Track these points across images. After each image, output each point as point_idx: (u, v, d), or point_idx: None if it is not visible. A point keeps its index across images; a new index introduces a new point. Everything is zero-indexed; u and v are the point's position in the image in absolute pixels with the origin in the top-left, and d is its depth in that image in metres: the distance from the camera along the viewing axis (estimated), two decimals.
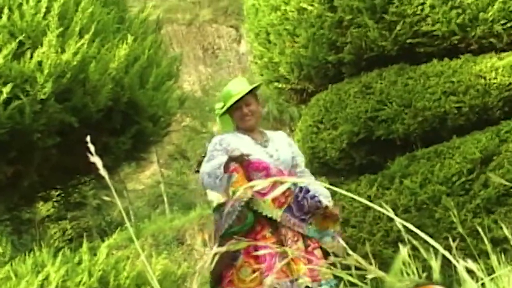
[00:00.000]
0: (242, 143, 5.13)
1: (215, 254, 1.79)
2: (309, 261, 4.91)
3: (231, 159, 4.88)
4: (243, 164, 4.94)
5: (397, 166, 6.92)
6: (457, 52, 7.02)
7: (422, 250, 1.80)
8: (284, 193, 5.08)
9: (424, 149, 6.92)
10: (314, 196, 5.04)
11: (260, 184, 1.75)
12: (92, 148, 1.60)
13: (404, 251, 1.81)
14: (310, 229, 5.04)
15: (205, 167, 5.08)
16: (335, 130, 7.26)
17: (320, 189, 5.18)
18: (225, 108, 5.26)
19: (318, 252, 4.99)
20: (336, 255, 5.05)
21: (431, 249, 1.82)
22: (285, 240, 4.90)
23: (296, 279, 4.80)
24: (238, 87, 5.31)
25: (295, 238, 4.96)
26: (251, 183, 1.83)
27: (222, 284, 5.01)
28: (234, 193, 4.85)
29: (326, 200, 5.11)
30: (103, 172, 1.57)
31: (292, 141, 5.56)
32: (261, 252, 4.77)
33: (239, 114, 5.21)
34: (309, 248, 4.96)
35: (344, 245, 4.89)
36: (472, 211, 6.38)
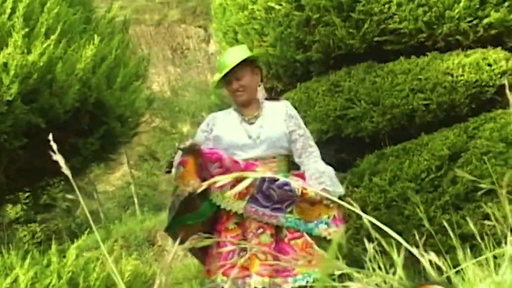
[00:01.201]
0: (226, 123, 4.96)
1: (175, 251, 1.78)
2: (283, 254, 4.54)
3: (181, 150, 4.62)
4: (197, 155, 4.64)
5: (366, 164, 6.93)
6: (424, 49, 7.05)
7: (385, 246, 1.80)
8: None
9: (392, 146, 6.94)
10: (285, 184, 4.62)
11: (218, 180, 1.73)
12: (55, 147, 1.58)
13: (370, 247, 1.81)
14: (289, 219, 4.66)
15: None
16: None
17: (315, 171, 4.83)
18: (214, 83, 5.09)
19: (297, 243, 4.62)
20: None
21: (398, 245, 1.82)
22: (246, 233, 4.64)
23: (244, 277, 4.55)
24: (231, 57, 4.96)
25: (259, 231, 4.63)
26: (213, 180, 1.78)
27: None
28: (175, 188, 4.69)
29: (317, 184, 4.74)
30: (66, 171, 1.55)
31: (294, 112, 5.10)
32: (227, 249, 4.58)
33: (230, 88, 4.97)
34: (286, 239, 4.62)
35: (342, 230, 4.78)
36: (441, 208, 6.40)
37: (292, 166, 5.04)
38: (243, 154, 4.85)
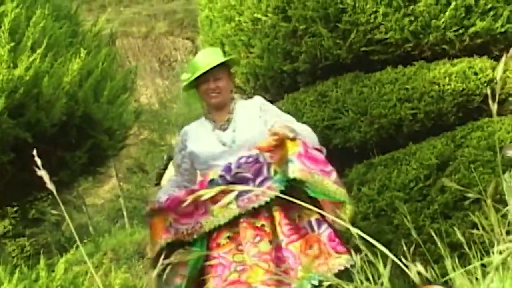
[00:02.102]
0: (198, 135, 4.79)
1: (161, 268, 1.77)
2: (281, 262, 4.38)
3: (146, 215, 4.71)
4: (160, 212, 4.63)
5: (355, 174, 6.94)
6: (411, 59, 7.07)
7: (371, 256, 1.80)
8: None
9: (381, 156, 6.95)
10: (248, 158, 4.49)
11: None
12: (39, 162, 1.57)
13: (358, 259, 1.81)
14: (277, 181, 4.43)
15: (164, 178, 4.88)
16: None
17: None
18: (190, 79, 4.80)
19: (295, 247, 4.39)
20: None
21: (386, 256, 1.83)
22: (242, 244, 4.40)
23: None
24: (207, 58, 4.79)
25: (256, 239, 4.38)
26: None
27: None
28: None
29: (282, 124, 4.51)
30: (51, 186, 1.55)
31: (269, 104, 4.90)
32: (214, 262, 4.41)
33: (205, 88, 4.74)
34: (283, 244, 4.40)
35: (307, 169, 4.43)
36: (430, 217, 6.41)
37: None
38: (220, 163, 4.64)
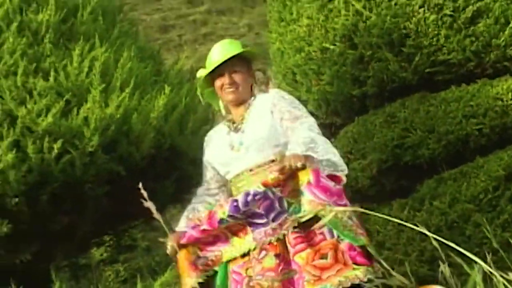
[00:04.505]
0: (215, 141, 4.27)
1: None
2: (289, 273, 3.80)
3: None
4: (183, 247, 4.05)
5: (426, 189, 6.89)
6: (473, 77, 7.01)
7: (465, 266, 1.80)
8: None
9: (450, 170, 6.88)
10: (254, 195, 3.79)
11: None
12: (145, 194, 1.64)
13: (446, 269, 1.80)
14: (294, 212, 3.80)
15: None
16: (364, 159, 7.25)
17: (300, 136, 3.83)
18: (203, 75, 4.20)
19: (301, 258, 3.73)
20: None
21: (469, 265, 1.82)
22: (250, 259, 3.91)
23: None
24: (223, 49, 4.16)
25: (261, 255, 3.86)
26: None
27: None
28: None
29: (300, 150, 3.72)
30: (157, 215, 1.61)
31: (282, 98, 4.13)
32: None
33: (220, 83, 4.14)
34: (291, 256, 3.79)
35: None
36: (500, 226, 6.33)
37: None
38: (231, 170, 4.13)
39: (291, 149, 3.80)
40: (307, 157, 3.72)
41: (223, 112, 4.35)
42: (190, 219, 4.17)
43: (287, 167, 3.71)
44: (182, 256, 4.05)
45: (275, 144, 3.97)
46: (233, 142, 4.08)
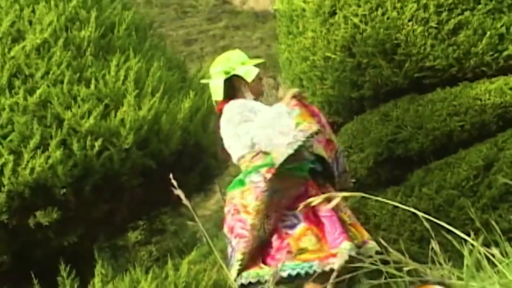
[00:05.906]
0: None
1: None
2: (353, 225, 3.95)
3: (292, 96, 3.98)
4: (303, 104, 4.02)
5: (416, 178, 6.88)
6: (456, 80, 6.98)
7: (455, 242, 1.80)
8: (329, 146, 4.12)
9: (436, 161, 6.87)
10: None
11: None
12: (175, 183, 1.65)
13: (436, 245, 1.80)
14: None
15: (249, 126, 4.03)
16: (362, 153, 7.25)
17: None
18: (253, 76, 4.35)
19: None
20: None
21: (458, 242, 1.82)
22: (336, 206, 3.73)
23: (360, 246, 3.83)
24: (246, 58, 4.49)
25: (344, 204, 3.97)
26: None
27: (265, 259, 3.89)
28: (297, 124, 3.83)
29: None
30: (185, 201, 1.62)
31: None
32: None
33: (259, 85, 4.44)
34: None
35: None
36: (480, 209, 6.32)
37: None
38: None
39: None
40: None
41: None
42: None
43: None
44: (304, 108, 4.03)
45: None
46: None
